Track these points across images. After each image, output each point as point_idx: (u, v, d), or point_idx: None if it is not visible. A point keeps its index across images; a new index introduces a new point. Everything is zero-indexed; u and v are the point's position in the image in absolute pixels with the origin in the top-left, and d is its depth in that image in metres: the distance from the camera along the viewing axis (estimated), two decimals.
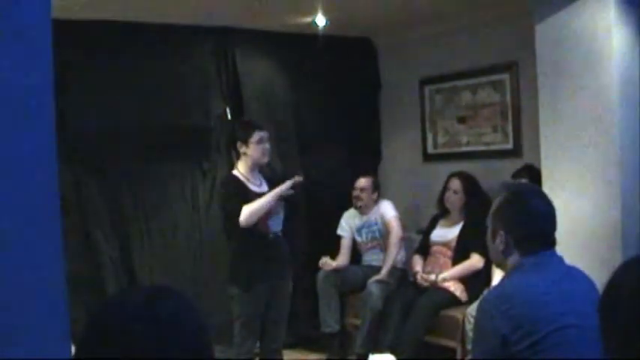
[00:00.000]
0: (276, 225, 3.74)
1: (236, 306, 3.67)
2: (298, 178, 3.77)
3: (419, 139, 5.37)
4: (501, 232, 1.94)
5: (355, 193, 4.88)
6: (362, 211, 4.91)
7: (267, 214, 3.67)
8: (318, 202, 5.20)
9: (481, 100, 4.92)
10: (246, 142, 3.70)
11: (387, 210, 4.84)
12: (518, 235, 1.92)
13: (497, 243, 1.96)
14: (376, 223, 4.88)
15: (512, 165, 4.46)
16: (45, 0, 1.48)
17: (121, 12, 4.12)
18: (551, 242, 1.94)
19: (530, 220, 1.93)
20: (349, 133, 5.41)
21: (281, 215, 3.78)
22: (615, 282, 1.14)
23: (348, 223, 4.99)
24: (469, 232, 4.40)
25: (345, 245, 4.96)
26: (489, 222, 2.00)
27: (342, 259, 4.90)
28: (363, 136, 5.57)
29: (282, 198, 3.73)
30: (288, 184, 3.72)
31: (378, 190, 4.98)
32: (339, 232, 4.99)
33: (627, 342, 1.07)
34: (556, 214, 1.97)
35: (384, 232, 4.83)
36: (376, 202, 4.91)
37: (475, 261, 4.34)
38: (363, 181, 4.89)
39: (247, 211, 3.56)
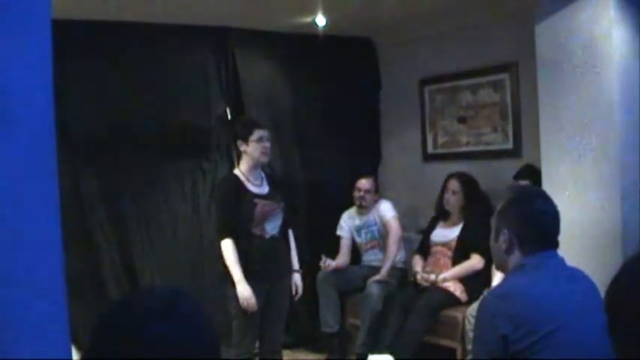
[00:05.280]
0: (273, 228, 3.73)
1: (233, 306, 3.67)
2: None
3: (419, 139, 5.37)
4: (505, 231, 1.95)
5: (359, 194, 4.87)
6: (362, 211, 4.91)
7: (265, 218, 3.67)
8: (318, 202, 5.20)
9: (481, 100, 4.92)
10: (246, 141, 3.70)
11: (386, 210, 4.83)
12: (521, 235, 1.93)
13: (500, 242, 1.96)
14: (375, 224, 4.88)
15: (512, 165, 4.46)
16: (45, 0, 1.48)
17: (120, 12, 4.12)
18: (554, 243, 1.95)
19: (534, 220, 1.94)
20: (349, 133, 5.41)
21: (279, 218, 3.77)
22: (622, 276, 1.14)
23: (347, 224, 4.99)
24: (469, 233, 4.39)
25: (345, 245, 4.96)
26: (493, 222, 2.01)
27: (343, 259, 4.90)
28: (363, 136, 5.57)
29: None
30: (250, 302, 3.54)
31: (378, 191, 4.99)
32: (339, 232, 5.00)
33: (634, 336, 1.07)
34: (559, 217, 1.97)
35: (383, 232, 4.83)
36: (375, 202, 4.91)
37: (475, 261, 4.34)
38: (365, 183, 4.89)
39: (223, 248, 3.59)
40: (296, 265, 3.94)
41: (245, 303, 3.53)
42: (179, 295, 1.02)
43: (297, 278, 3.91)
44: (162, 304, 0.99)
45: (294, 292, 3.90)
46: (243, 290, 3.53)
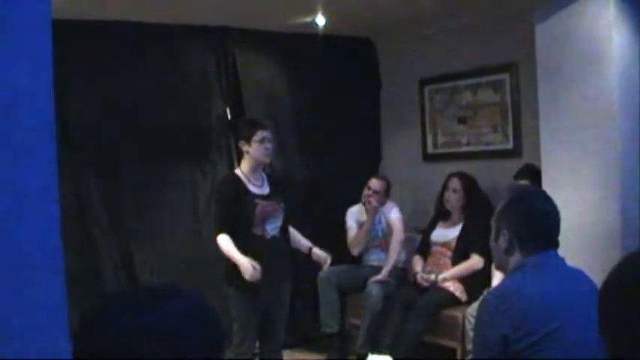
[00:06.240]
0: (273, 228, 3.72)
1: (233, 306, 3.66)
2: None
3: (419, 139, 5.37)
4: (505, 232, 1.95)
5: (367, 192, 4.82)
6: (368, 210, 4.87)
7: (265, 218, 3.67)
8: (318, 201, 5.20)
9: (481, 100, 4.92)
10: (248, 141, 3.69)
11: (392, 212, 4.81)
12: (521, 235, 1.92)
13: (500, 242, 1.96)
14: (379, 223, 4.86)
15: (512, 165, 4.46)
16: (45, 0, 1.49)
17: (121, 12, 4.12)
18: (554, 243, 1.95)
19: (534, 221, 1.94)
20: (349, 133, 5.40)
21: (280, 219, 3.76)
22: (617, 273, 1.14)
23: (354, 217, 4.95)
24: (469, 233, 4.40)
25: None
26: (494, 222, 2.01)
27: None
28: (363, 136, 5.57)
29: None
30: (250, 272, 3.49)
31: (389, 195, 4.94)
32: (349, 223, 4.94)
33: (624, 331, 1.07)
34: (560, 217, 1.97)
35: (387, 233, 4.82)
36: (383, 204, 4.87)
37: (475, 261, 4.34)
38: (376, 183, 4.83)
39: (220, 242, 3.59)
40: (307, 243, 3.99)
41: (249, 275, 3.49)
42: (173, 290, 1.01)
43: (316, 251, 3.95)
44: (151, 298, 0.98)
45: (323, 262, 3.97)
46: (245, 263, 3.49)
